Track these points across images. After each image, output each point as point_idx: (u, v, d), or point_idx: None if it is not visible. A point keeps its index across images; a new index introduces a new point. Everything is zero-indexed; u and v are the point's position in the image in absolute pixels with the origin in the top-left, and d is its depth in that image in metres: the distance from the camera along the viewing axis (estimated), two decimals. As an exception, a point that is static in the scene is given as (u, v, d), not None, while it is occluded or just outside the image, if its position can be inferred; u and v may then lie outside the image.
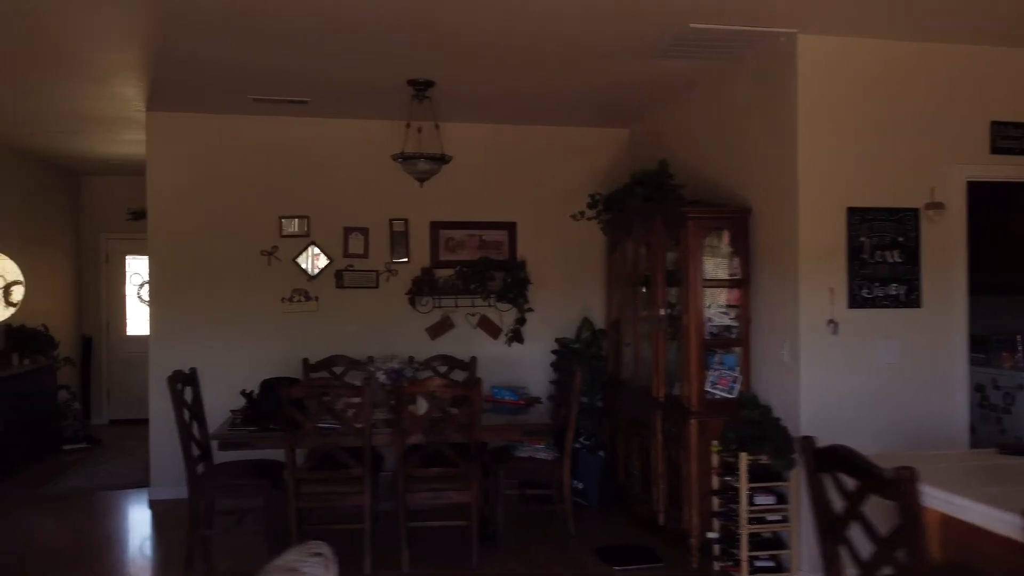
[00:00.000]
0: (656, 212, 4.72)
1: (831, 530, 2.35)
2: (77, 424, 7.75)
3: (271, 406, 4.29)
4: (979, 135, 4.18)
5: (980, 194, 4.20)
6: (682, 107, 5.39)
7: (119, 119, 5.96)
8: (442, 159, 4.83)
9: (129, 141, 6.75)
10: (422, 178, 4.89)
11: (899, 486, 1.99)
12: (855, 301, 4.05)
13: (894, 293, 4.08)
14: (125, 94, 5.22)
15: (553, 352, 6.15)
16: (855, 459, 2.15)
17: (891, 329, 4.09)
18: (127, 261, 8.88)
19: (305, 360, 5.42)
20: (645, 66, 4.57)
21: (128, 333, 8.85)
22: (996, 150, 4.19)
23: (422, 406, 4.42)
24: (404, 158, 4.81)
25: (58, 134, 6.56)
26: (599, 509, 5.47)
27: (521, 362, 6.20)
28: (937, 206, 4.08)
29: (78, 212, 8.71)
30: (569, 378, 5.10)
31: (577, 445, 5.62)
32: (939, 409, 4.15)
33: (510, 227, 6.21)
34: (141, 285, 8.86)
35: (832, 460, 2.28)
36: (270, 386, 4.40)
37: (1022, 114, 4.21)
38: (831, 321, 4.02)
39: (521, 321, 6.06)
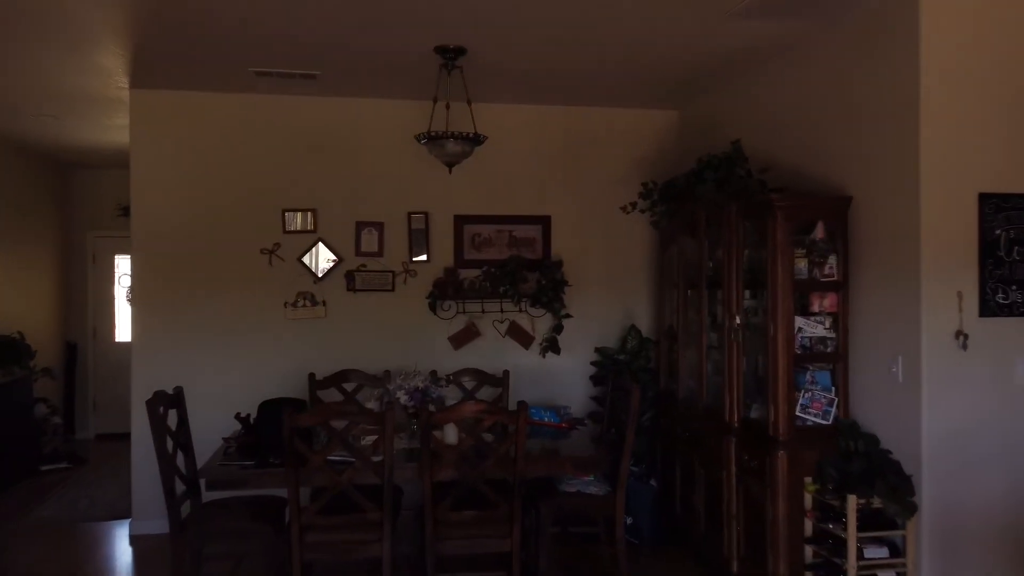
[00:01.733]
0: (730, 201, 3.97)
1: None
2: (58, 440, 7.02)
3: (272, 434, 3.55)
4: None
5: None
6: (749, 82, 4.64)
7: (101, 99, 5.23)
8: (475, 140, 4.09)
9: (116, 127, 6.02)
10: (451, 162, 4.15)
11: None
12: (988, 308, 3.30)
13: (1035, 299, 3.33)
14: (105, 66, 4.49)
15: (593, 364, 5.42)
16: None
17: (1031, 343, 3.35)
18: (116, 261, 8.16)
19: (311, 376, 4.67)
20: (712, 30, 3.84)
21: (117, 339, 8.13)
22: None
23: (452, 434, 3.69)
24: (430, 138, 4.07)
25: (39, 117, 5.83)
26: (652, 548, 4.72)
27: (557, 375, 5.46)
28: (1086, 192, 3.33)
29: (64, 208, 7.99)
30: (617, 395, 4.36)
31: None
32: (1085, 440, 3.40)
33: (544, 221, 5.47)
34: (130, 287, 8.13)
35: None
36: (271, 410, 3.66)
37: None
38: (960, 333, 3.27)
39: (557, 329, 5.31)
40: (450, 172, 4.34)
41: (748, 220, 3.85)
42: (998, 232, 3.30)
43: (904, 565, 3.31)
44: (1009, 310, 3.31)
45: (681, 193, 4.47)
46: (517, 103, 5.36)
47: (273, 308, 5.14)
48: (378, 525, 3.46)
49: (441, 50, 4.08)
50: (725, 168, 4.06)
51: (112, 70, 4.59)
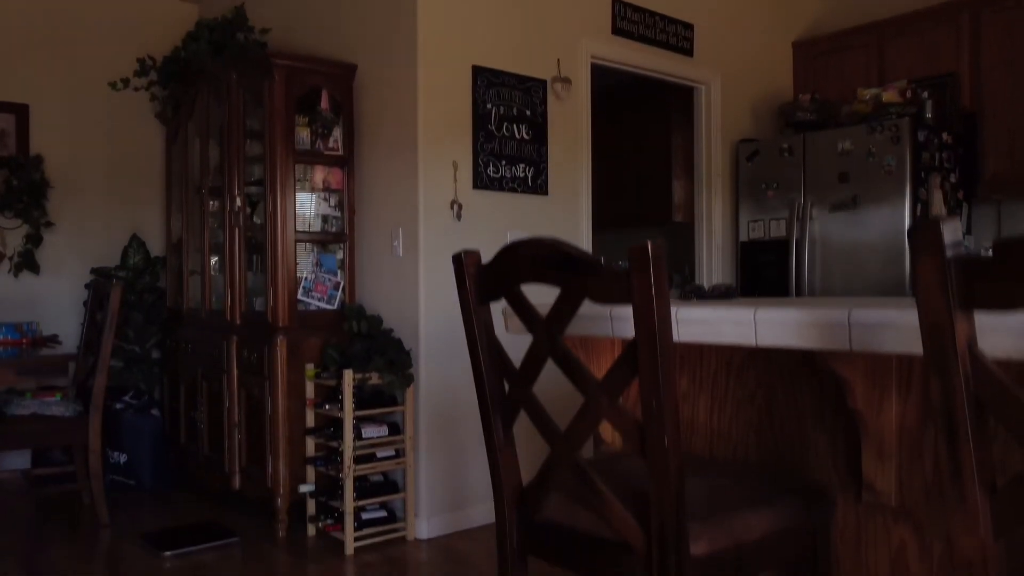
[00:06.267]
0: (231, 69, 3.51)
1: (506, 403, 1.47)
2: None
3: None
4: (603, 11, 3.79)
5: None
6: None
7: None
8: None
9: None
10: None
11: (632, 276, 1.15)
12: (480, 181, 3.34)
13: (522, 175, 3.46)
14: None
15: (88, 286, 4.51)
16: (558, 252, 1.27)
17: (519, 217, 3.47)
18: None
19: None
20: None
21: None
22: (617, 31, 3.84)
23: None
24: None
25: None
26: (154, 491, 4.01)
27: (40, 302, 4.42)
28: (564, 80, 3.58)
29: None
30: (98, 302, 3.62)
31: (120, 405, 4.13)
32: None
33: (19, 111, 4.39)
34: None
35: (506, 274, 1.38)
36: None
37: (641, -6, 3.93)
38: (455, 203, 3.25)
39: (35, 240, 4.30)
40: None
41: (249, 87, 3.42)
42: (489, 106, 3.36)
43: (403, 442, 3.18)
44: (499, 184, 3.39)
45: (184, 70, 3.86)
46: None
47: None
48: None
49: None
50: (227, 31, 3.58)
51: None
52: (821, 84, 4.58)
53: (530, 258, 1.32)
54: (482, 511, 3.31)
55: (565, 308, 1.28)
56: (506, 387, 1.46)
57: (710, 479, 1.46)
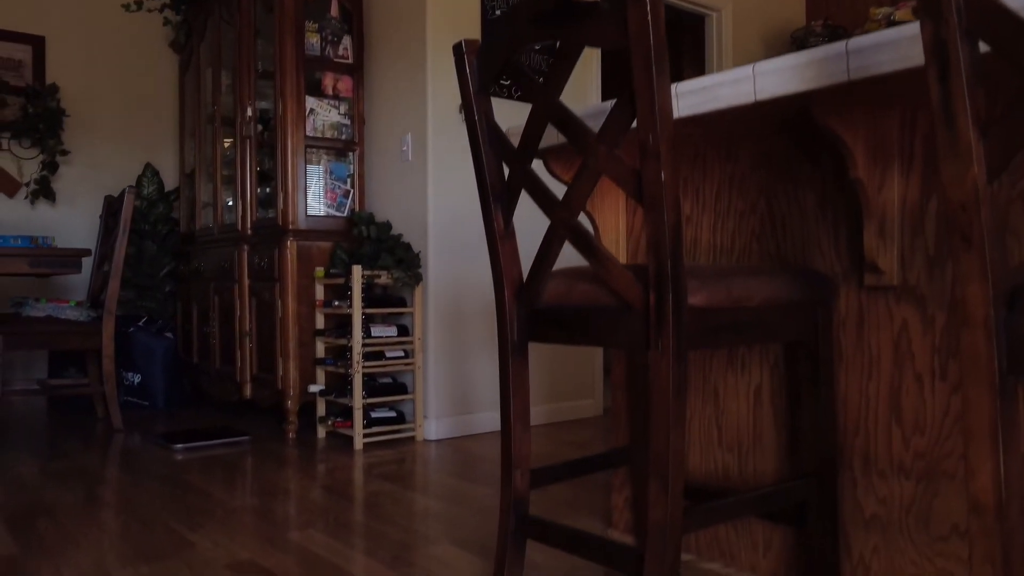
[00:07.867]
0: (241, -20, 3.54)
1: (505, 189, 1.47)
2: None
3: None
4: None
5: None
6: None
7: None
8: None
9: None
10: None
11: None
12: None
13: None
14: None
15: (102, 217, 4.56)
16: (555, 1, 1.28)
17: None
18: None
19: None
20: None
21: None
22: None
23: None
24: None
25: None
26: (168, 412, 4.05)
27: (52, 230, 4.49)
28: (573, -8, 3.56)
29: None
30: (112, 219, 3.66)
31: (133, 329, 4.18)
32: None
33: (36, 42, 4.45)
34: None
35: (505, 44, 1.38)
36: None
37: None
38: (463, 107, 3.25)
39: (51, 167, 4.35)
40: None
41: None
42: (498, 13, 3.36)
43: (411, 343, 3.19)
44: (508, 91, 3.39)
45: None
46: None
47: None
48: None
49: None
50: (237, -57, 3.61)
51: None
52: (833, 13, 4.55)
53: (527, 17, 1.32)
54: (490, 418, 3.32)
55: (563, 64, 1.28)
56: (506, 173, 1.47)
57: (710, 264, 1.46)
